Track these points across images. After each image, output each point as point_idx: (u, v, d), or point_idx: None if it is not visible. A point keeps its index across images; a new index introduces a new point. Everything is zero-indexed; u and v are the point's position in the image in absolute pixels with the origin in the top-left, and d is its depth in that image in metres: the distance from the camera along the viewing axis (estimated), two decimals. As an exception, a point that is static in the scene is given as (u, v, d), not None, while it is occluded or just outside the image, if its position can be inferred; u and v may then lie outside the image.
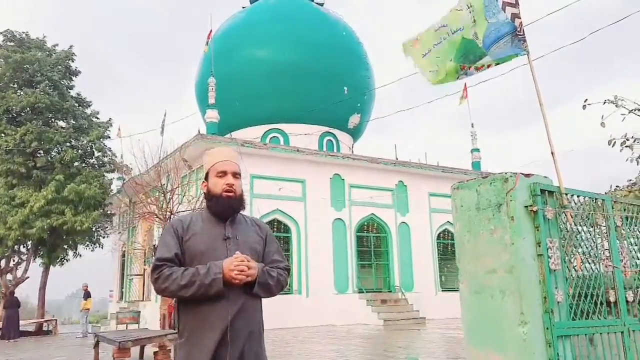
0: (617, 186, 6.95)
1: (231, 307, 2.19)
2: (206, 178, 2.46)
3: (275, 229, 17.74)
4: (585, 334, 2.86)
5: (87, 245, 22.65)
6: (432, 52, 3.79)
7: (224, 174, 2.40)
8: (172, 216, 12.99)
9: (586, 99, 5.33)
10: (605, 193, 5.34)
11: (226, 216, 2.39)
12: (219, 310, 2.18)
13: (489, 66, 3.74)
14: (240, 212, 2.46)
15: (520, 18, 3.54)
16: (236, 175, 2.43)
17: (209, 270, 2.17)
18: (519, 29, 3.53)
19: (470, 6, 3.62)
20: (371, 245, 20.06)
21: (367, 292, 18.82)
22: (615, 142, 5.69)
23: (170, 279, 2.19)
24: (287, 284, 2.44)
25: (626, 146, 5.69)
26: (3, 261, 20.84)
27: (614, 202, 3.32)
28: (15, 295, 19.12)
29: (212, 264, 2.19)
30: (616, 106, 5.46)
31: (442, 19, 3.79)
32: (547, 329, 2.65)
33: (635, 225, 3.43)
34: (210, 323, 2.18)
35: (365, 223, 20.01)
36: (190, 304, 2.23)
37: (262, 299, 2.36)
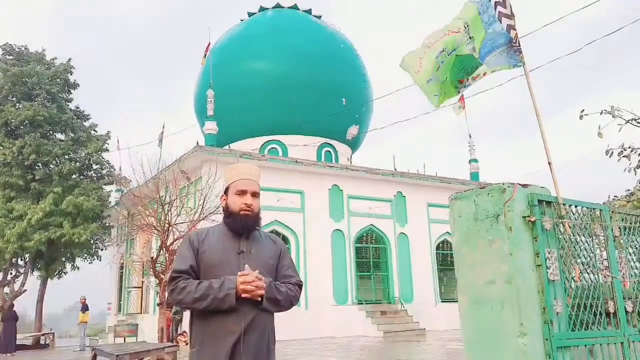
0: (615, 196, 6.97)
1: (242, 321, 2.21)
2: (226, 192, 2.49)
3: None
4: (585, 345, 2.84)
5: (85, 258, 22.56)
6: (434, 80, 3.83)
7: (243, 193, 2.43)
8: (170, 228, 12.95)
9: (583, 110, 5.36)
10: (604, 203, 5.34)
11: (242, 232, 2.41)
12: (231, 323, 2.20)
13: (484, 74, 3.77)
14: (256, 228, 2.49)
15: (515, 30, 3.57)
16: (255, 194, 2.46)
17: (222, 285, 2.20)
18: (514, 40, 3.55)
19: (467, 25, 3.64)
20: (370, 256, 19.98)
21: (366, 303, 18.71)
22: (612, 152, 5.71)
23: (185, 292, 2.22)
24: (298, 299, 2.47)
25: (624, 156, 5.71)
26: (0, 274, 20.72)
27: (612, 212, 3.32)
28: (14, 308, 18.99)
29: (226, 278, 2.22)
30: (613, 116, 5.48)
31: (441, 43, 3.81)
32: (547, 340, 2.63)
33: (634, 235, 3.43)
34: (221, 336, 2.20)
35: (364, 234, 19.96)
36: (203, 316, 2.26)
37: (275, 314, 2.39)
